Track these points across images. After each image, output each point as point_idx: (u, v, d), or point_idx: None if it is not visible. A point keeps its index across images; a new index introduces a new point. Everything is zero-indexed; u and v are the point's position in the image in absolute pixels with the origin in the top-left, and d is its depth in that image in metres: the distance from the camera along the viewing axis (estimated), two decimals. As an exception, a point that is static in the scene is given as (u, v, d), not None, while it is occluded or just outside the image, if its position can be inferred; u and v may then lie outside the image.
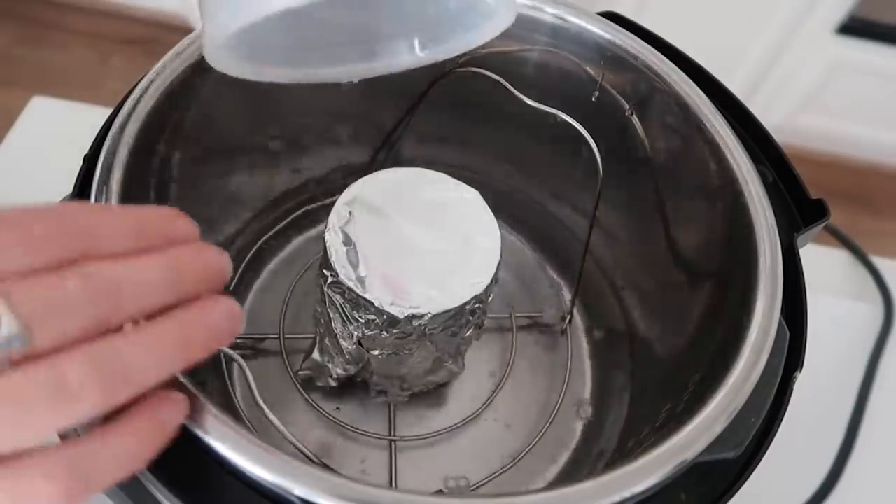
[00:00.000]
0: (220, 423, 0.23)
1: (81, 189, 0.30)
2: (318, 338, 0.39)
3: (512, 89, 0.38)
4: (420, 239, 0.34)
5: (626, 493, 0.24)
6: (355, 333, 0.34)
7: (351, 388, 0.40)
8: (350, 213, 0.34)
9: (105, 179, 0.29)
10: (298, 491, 0.23)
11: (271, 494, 0.23)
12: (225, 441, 0.23)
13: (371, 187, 0.35)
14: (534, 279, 0.48)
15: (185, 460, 0.24)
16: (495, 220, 0.35)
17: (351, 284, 0.32)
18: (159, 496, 0.24)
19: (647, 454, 0.25)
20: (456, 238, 0.34)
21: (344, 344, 0.36)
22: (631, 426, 0.39)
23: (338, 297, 0.33)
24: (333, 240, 0.33)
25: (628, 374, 0.43)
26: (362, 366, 0.37)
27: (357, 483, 0.23)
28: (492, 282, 0.34)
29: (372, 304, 0.32)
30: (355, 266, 0.33)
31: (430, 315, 0.32)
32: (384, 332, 0.33)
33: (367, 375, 0.38)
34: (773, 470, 0.32)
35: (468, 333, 0.36)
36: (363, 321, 0.33)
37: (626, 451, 0.37)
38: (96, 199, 0.28)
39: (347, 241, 0.33)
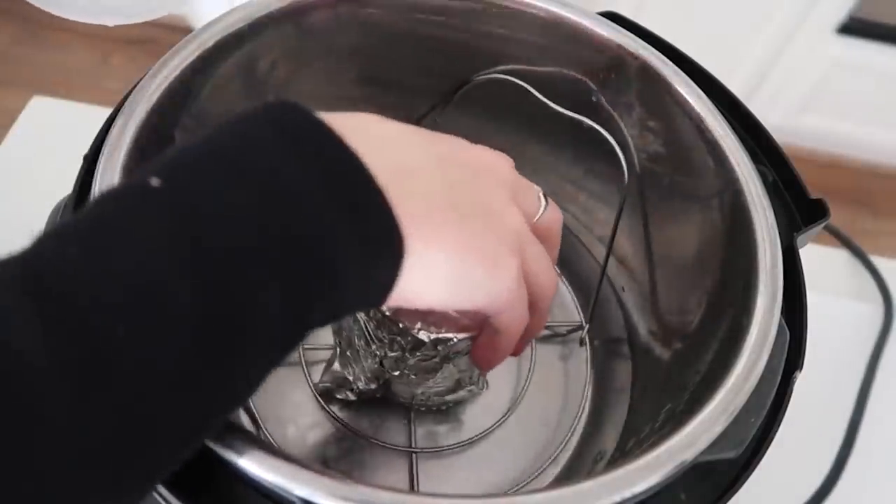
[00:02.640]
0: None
1: (81, 189, 0.30)
2: (339, 349, 0.38)
3: (539, 96, 0.38)
4: None
5: (626, 493, 0.24)
6: (378, 353, 0.33)
7: (370, 399, 0.40)
8: None
9: (105, 179, 0.29)
10: (299, 492, 0.23)
11: (272, 495, 0.23)
12: (226, 442, 0.23)
13: None
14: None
15: (186, 461, 0.24)
16: None
17: None
18: (160, 497, 0.24)
19: (647, 454, 0.25)
20: None
21: (365, 364, 0.35)
22: (631, 426, 0.39)
23: (361, 315, 0.33)
24: None
25: (628, 374, 0.43)
26: (382, 382, 0.36)
27: (357, 484, 0.23)
28: None
29: (396, 324, 0.31)
30: None
31: (455, 339, 0.31)
32: (407, 354, 0.32)
33: (386, 391, 0.38)
34: (773, 470, 0.32)
35: None
36: (387, 341, 0.32)
37: (626, 451, 0.37)
38: (96, 199, 0.28)
39: None
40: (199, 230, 0.19)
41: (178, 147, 0.22)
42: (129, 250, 0.19)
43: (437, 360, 0.32)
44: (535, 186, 0.30)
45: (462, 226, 0.25)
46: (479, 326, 0.30)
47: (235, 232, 0.20)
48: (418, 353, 0.32)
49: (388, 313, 0.31)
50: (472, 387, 0.38)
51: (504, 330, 0.28)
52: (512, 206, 0.27)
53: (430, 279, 0.24)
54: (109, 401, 0.17)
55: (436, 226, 0.24)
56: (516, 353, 0.31)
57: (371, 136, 0.24)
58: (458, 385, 0.37)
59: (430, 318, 0.30)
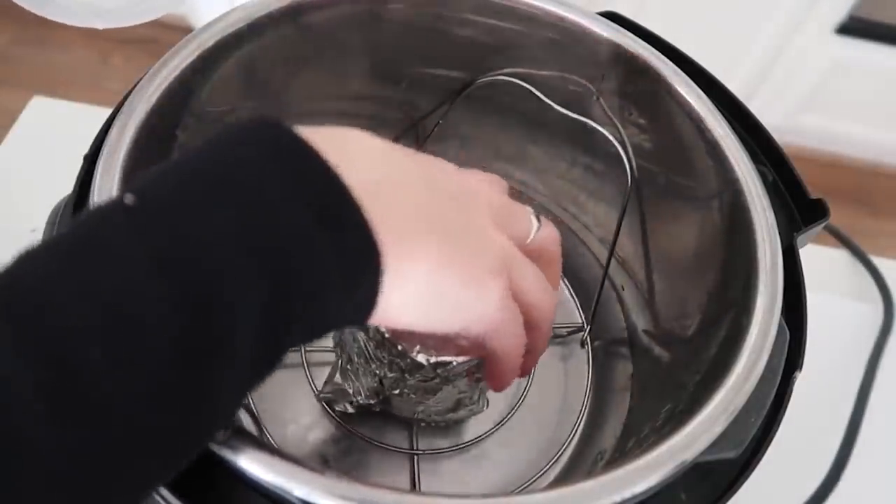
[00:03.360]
0: (219, 423, 0.23)
1: (81, 189, 0.30)
2: (340, 363, 0.37)
3: (543, 97, 0.38)
4: None
5: (626, 493, 0.24)
6: (377, 372, 0.33)
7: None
8: None
9: (105, 179, 0.29)
10: (298, 492, 0.23)
11: (271, 495, 0.23)
12: (225, 441, 0.23)
13: None
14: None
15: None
16: None
17: (376, 325, 0.30)
18: (159, 497, 0.24)
19: (647, 454, 0.25)
20: None
21: (365, 380, 0.35)
22: (631, 426, 0.39)
23: (362, 334, 0.32)
24: None
25: (628, 374, 0.43)
26: (382, 398, 0.36)
27: (356, 483, 0.23)
28: None
29: (396, 346, 0.30)
30: None
31: (455, 363, 0.30)
32: (407, 375, 0.32)
33: (387, 407, 0.37)
34: (773, 470, 0.32)
35: None
36: (386, 362, 0.32)
37: (626, 451, 0.37)
38: (97, 200, 0.28)
39: None
40: (175, 249, 0.19)
41: (159, 165, 0.21)
42: (104, 272, 0.19)
43: (436, 381, 0.32)
44: (528, 208, 0.30)
45: (441, 245, 0.24)
46: (478, 349, 0.29)
47: (211, 250, 0.20)
48: (418, 375, 0.31)
49: (387, 335, 0.30)
50: (473, 406, 0.37)
51: (501, 353, 0.28)
52: (495, 229, 0.27)
53: (407, 298, 0.24)
54: (87, 423, 0.17)
55: (414, 243, 0.24)
56: (523, 373, 0.30)
57: (352, 152, 0.23)
58: (458, 405, 0.36)
59: (429, 340, 0.30)
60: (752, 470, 0.28)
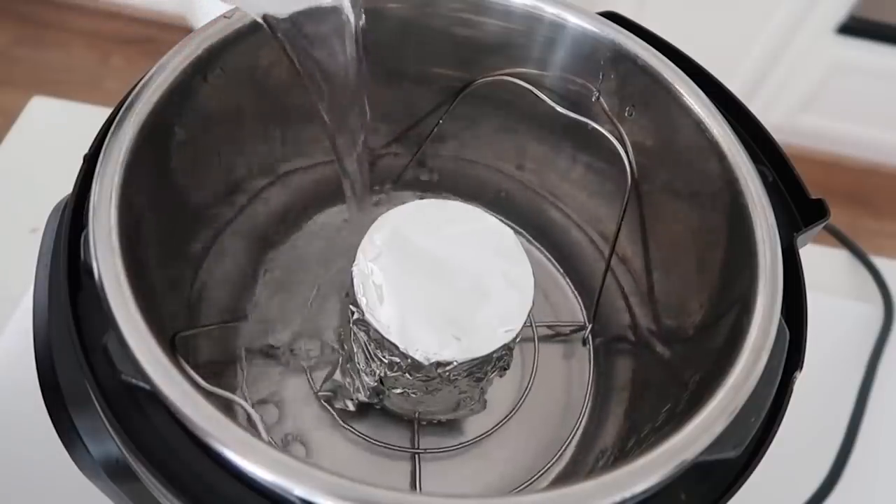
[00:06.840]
0: (220, 423, 0.23)
1: (81, 189, 0.30)
2: (340, 360, 0.38)
3: (544, 97, 0.38)
4: (451, 280, 0.33)
5: (626, 493, 0.24)
6: (378, 371, 0.33)
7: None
8: (380, 247, 0.33)
9: (105, 179, 0.29)
10: (298, 491, 0.23)
11: (272, 494, 0.23)
12: (225, 441, 0.23)
13: (404, 220, 0.34)
14: (547, 285, 0.47)
15: (185, 460, 0.24)
16: (529, 265, 0.34)
17: (376, 325, 0.31)
18: (159, 496, 0.24)
19: (647, 454, 0.25)
20: (488, 281, 0.33)
21: (365, 379, 0.35)
22: (631, 426, 0.39)
23: (362, 334, 0.32)
24: (361, 275, 0.32)
25: (629, 373, 0.43)
26: (382, 397, 0.36)
27: (357, 483, 0.23)
28: (521, 329, 0.32)
29: (396, 346, 0.31)
30: (382, 305, 0.31)
31: (455, 363, 0.31)
32: (407, 375, 0.32)
33: (388, 405, 0.38)
34: (773, 470, 0.32)
35: (492, 376, 0.35)
36: (386, 361, 0.32)
37: (626, 451, 0.37)
38: (97, 199, 0.28)
39: (376, 278, 0.32)
40: None
41: None
42: None
43: (437, 381, 0.32)
44: None
45: None
46: None
47: None
48: (418, 374, 0.32)
49: (387, 336, 0.30)
50: (474, 406, 0.37)
51: None
52: None
53: None
54: None
55: None
56: None
57: None
58: (457, 406, 0.37)
59: None
60: (752, 470, 0.28)
